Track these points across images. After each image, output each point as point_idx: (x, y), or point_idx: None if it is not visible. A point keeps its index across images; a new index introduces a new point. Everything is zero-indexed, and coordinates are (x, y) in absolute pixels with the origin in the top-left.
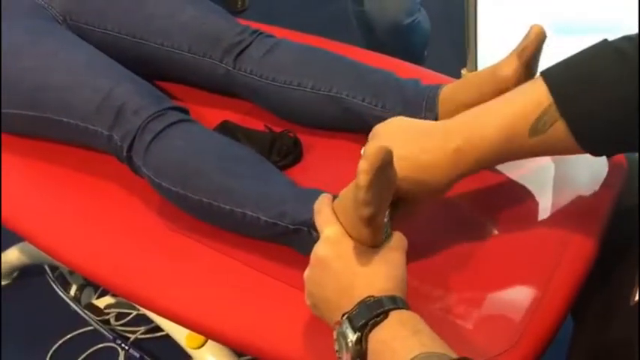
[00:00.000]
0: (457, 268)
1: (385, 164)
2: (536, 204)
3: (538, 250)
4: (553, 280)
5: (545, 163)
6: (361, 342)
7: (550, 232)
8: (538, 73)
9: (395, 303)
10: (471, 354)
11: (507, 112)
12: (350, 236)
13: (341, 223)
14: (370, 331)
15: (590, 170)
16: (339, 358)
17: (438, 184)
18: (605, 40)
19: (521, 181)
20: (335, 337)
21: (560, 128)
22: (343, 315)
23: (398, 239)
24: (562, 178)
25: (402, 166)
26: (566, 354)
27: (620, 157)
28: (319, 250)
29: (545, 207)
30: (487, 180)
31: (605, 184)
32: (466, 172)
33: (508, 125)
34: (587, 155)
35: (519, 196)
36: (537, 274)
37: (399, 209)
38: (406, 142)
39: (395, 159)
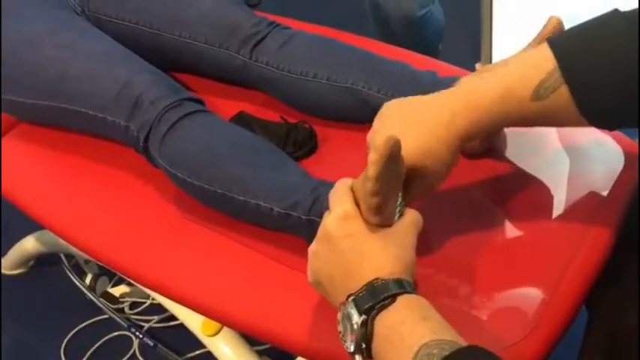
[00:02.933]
0: (471, 258)
1: (394, 155)
2: (551, 195)
3: (554, 240)
4: (568, 271)
5: (562, 153)
6: (366, 325)
7: (566, 223)
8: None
9: (402, 287)
10: (485, 344)
11: (507, 75)
12: None
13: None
14: (377, 314)
15: (606, 161)
16: (343, 340)
17: (437, 159)
18: (616, 10)
19: (536, 172)
20: (339, 318)
21: (563, 95)
22: (349, 296)
23: (411, 219)
24: (578, 169)
25: (413, 155)
26: (581, 344)
27: (636, 149)
28: (328, 225)
29: (561, 198)
30: (502, 171)
31: (622, 174)
32: (462, 138)
33: (507, 88)
34: (604, 146)
35: (535, 186)
36: (552, 265)
37: (413, 191)
38: (416, 129)
39: (409, 150)
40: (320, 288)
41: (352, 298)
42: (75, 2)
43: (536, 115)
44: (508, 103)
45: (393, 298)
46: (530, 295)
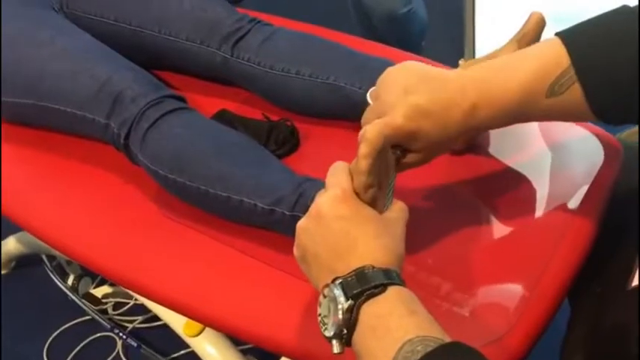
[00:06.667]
0: (454, 255)
1: (385, 148)
2: (533, 191)
3: (535, 236)
4: (550, 266)
5: (543, 150)
6: (352, 311)
7: (547, 219)
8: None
9: (391, 278)
10: (468, 340)
11: (525, 72)
12: None
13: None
14: (364, 302)
15: (586, 156)
16: (323, 323)
17: (448, 138)
18: (625, 6)
19: (518, 168)
20: (321, 299)
21: (576, 91)
22: (336, 279)
23: (399, 208)
24: (559, 164)
25: (415, 116)
26: (563, 338)
27: (616, 144)
28: (322, 203)
29: (542, 194)
30: (485, 167)
31: (602, 169)
32: (476, 129)
33: (526, 85)
34: (584, 142)
35: (516, 182)
36: (534, 260)
37: (404, 166)
38: (422, 90)
39: (410, 107)
40: (303, 264)
41: (340, 281)
42: (53, 0)
43: (548, 110)
44: (526, 101)
45: (383, 287)
46: (512, 290)
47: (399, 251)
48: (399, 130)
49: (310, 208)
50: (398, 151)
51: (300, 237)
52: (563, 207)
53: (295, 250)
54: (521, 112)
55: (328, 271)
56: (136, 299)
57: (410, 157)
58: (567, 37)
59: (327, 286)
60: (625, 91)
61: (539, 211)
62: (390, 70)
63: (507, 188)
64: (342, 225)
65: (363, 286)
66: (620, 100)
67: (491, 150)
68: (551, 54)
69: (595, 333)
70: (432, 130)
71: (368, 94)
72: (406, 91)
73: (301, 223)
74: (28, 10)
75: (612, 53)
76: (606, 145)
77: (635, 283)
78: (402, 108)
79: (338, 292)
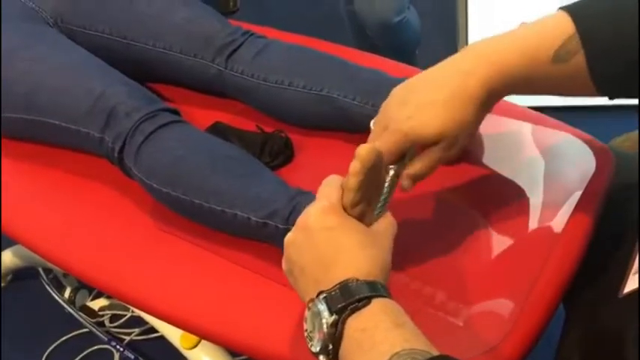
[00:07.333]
0: (447, 264)
1: (376, 165)
2: (526, 199)
3: (529, 244)
4: (543, 272)
5: (536, 158)
6: (337, 326)
7: (540, 227)
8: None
9: (376, 290)
10: (463, 350)
11: (528, 36)
12: None
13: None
14: (349, 316)
15: (579, 165)
16: (309, 338)
17: (465, 116)
18: None
19: (511, 177)
20: (306, 314)
21: (581, 60)
22: (320, 293)
23: (388, 221)
24: (552, 172)
25: (416, 114)
26: (557, 344)
27: (608, 151)
28: (309, 215)
29: (535, 202)
30: (477, 176)
31: (594, 176)
32: (494, 99)
33: (529, 47)
34: (576, 149)
35: (509, 191)
36: (527, 267)
37: (442, 160)
38: (420, 88)
39: (412, 107)
40: (291, 277)
41: (324, 295)
42: (47, 14)
43: (554, 78)
44: (530, 64)
45: (367, 300)
46: (506, 297)
47: (385, 263)
48: (405, 136)
49: (297, 221)
50: (397, 165)
51: (287, 250)
52: (556, 214)
53: (283, 264)
54: (528, 76)
55: (314, 284)
56: (132, 311)
57: (434, 152)
58: (573, 8)
59: (312, 300)
60: (628, 63)
61: (533, 219)
62: (391, 92)
63: (500, 197)
64: (327, 235)
65: (347, 299)
66: (621, 71)
67: (484, 158)
68: (555, 22)
69: (590, 338)
70: (452, 124)
71: (372, 123)
72: (403, 99)
73: (289, 237)
74: (23, 26)
75: (618, 25)
76: (598, 153)
77: (627, 289)
78: (405, 111)
79: (322, 307)
